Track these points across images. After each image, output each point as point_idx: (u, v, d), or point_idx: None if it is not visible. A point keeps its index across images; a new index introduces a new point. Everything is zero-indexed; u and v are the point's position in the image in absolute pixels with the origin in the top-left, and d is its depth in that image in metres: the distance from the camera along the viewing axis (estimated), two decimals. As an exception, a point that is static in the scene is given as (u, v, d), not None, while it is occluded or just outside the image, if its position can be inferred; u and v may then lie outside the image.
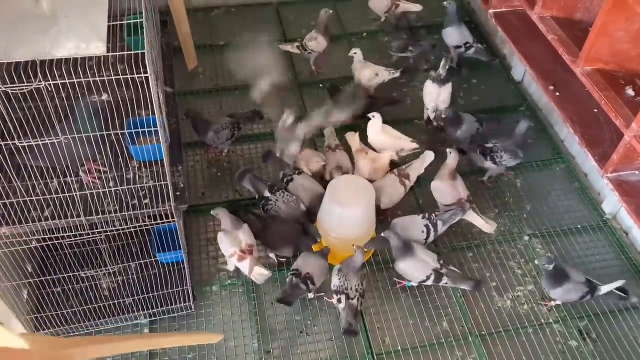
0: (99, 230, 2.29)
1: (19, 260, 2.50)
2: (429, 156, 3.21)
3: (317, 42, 3.85)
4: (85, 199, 2.25)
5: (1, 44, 1.77)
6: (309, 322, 2.78)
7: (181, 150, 2.63)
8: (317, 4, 4.56)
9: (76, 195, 2.20)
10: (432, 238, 2.93)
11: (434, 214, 2.95)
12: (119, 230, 2.36)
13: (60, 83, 1.87)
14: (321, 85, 3.97)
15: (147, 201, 2.29)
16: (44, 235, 2.37)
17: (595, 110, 3.32)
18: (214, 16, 4.52)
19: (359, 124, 3.50)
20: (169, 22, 3.60)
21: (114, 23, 1.94)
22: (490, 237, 3.13)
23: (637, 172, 3.08)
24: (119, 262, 2.74)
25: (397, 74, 3.74)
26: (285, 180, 3.11)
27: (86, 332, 2.65)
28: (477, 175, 3.41)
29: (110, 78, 1.92)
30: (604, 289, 2.66)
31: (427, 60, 4.17)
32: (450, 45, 3.93)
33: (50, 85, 1.83)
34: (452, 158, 3.04)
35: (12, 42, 1.79)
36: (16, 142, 1.96)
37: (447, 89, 3.53)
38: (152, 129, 2.13)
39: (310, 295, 2.79)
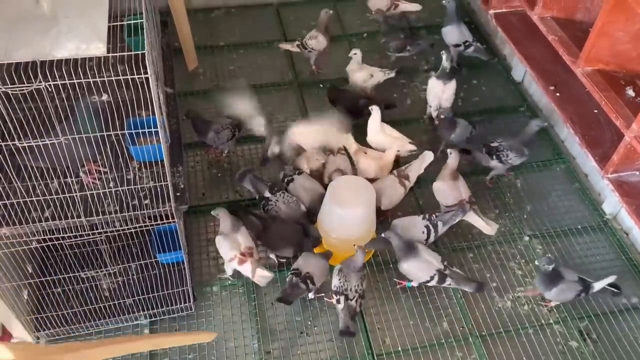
0: (99, 230, 2.29)
1: (19, 261, 2.50)
2: (428, 156, 3.21)
3: (317, 41, 3.86)
4: (86, 199, 2.25)
5: (1, 44, 1.77)
6: (309, 323, 2.78)
7: (181, 150, 2.63)
8: (317, 5, 4.57)
9: (76, 195, 2.20)
10: (432, 239, 2.93)
11: (434, 215, 2.95)
12: (119, 230, 2.36)
13: (61, 83, 1.87)
14: (321, 86, 3.97)
15: (147, 202, 2.29)
16: (44, 236, 2.36)
17: (596, 111, 3.32)
18: (214, 17, 4.52)
19: (354, 124, 3.51)
20: (169, 23, 3.60)
21: (114, 23, 1.94)
22: (490, 238, 3.13)
23: (638, 173, 3.08)
24: (119, 262, 2.74)
25: (392, 74, 3.74)
26: (285, 180, 3.11)
27: (86, 332, 2.65)
28: (477, 176, 3.41)
29: (110, 78, 1.92)
30: (597, 286, 2.67)
31: (427, 60, 4.18)
32: (449, 43, 3.94)
33: (50, 85, 1.83)
34: (453, 158, 3.03)
35: (12, 42, 1.79)
36: (16, 142, 1.96)
37: (451, 86, 3.54)
38: (152, 130, 2.13)
39: (310, 296, 2.79)
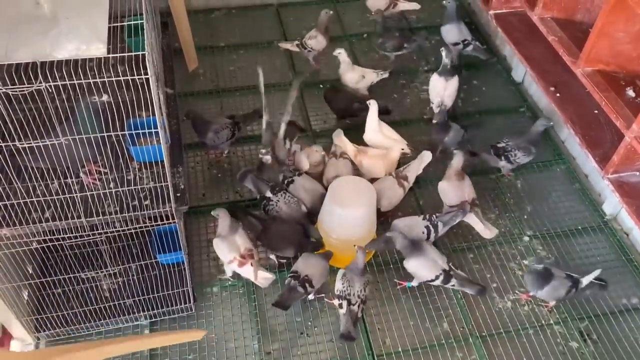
0: (99, 231, 2.29)
1: (19, 261, 2.50)
2: (427, 156, 3.21)
3: (316, 41, 3.86)
4: (86, 200, 2.25)
5: (2, 45, 1.77)
6: (309, 323, 2.78)
7: (181, 151, 2.63)
8: (317, 5, 4.58)
9: (76, 196, 2.20)
10: (432, 239, 2.94)
11: (434, 215, 2.95)
12: (119, 231, 2.36)
13: (61, 84, 1.87)
14: (321, 86, 3.97)
15: (147, 202, 2.29)
16: (44, 237, 2.37)
17: (596, 111, 3.32)
18: (215, 17, 4.53)
19: (353, 125, 3.53)
20: (170, 24, 3.60)
21: (114, 24, 1.94)
22: (490, 239, 3.13)
23: (638, 173, 3.08)
24: (120, 263, 2.74)
25: (386, 75, 3.74)
26: (285, 182, 3.11)
27: (86, 333, 2.65)
28: (477, 176, 3.40)
29: (110, 79, 1.92)
30: (585, 281, 2.67)
31: (427, 61, 4.18)
32: (448, 42, 3.94)
33: (50, 86, 1.83)
34: (457, 158, 3.04)
35: (12, 43, 1.79)
36: (17, 143, 1.96)
37: (454, 82, 3.55)
38: (153, 130, 2.14)
39: (311, 297, 2.79)
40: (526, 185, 3.44)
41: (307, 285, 2.64)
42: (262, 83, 3.12)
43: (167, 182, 2.25)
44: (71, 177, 2.24)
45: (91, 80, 1.91)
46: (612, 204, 3.25)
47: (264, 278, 2.74)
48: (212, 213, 2.82)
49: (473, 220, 3.01)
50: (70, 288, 2.64)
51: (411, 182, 3.17)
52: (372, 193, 2.90)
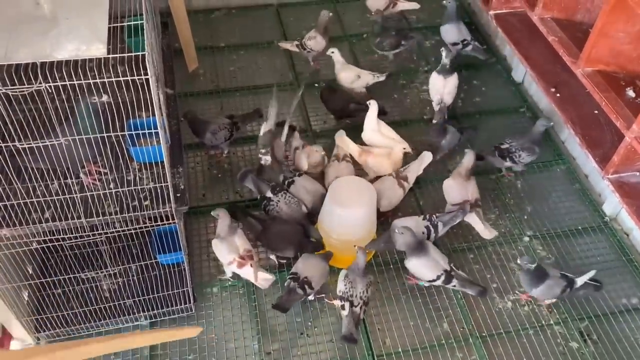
0: (99, 231, 2.29)
1: (19, 262, 2.50)
2: (427, 157, 3.21)
3: (315, 41, 3.87)
4: (86, 200, 2.25)
5: (2, 45, 1.77)
6: (309, 324, 2.78)
7: (181, 151, 2.63)
8: (317, 5, 4.58)
9: (76, 196, 2.20)
10: (432, 239, 2.94)
11: (434, 215, 2.95)
12: (119, 231, 2.36)
13: (61, 85, 1.87)
14: (318, 86, 3.97)
15: (147, 202, 2.29)
16: (44, 237, 2.37)
17: (596, 112, 3.32)
18: (215, 18, 4.53)
19: (349, 124, 3.53)
20: (170, 24, 3.60)
21: (114, 24, 1.94)
22: (490, 239, 3.13)
23: (638, 174, 3.08)
24: (120, 263, 2.74)
25: (382, 78, 3.73)
26: (286, 182, 3.10)
27: (87, 333, 2.65)
28: (478, 177, 3.40)
29: (110, 80, 1.92)
30: (579, 281, 2.67)
31: (427, 61, 4.18)
32: (447, 42, 3.94)
33: (50, 86, 1.83)
34: (468, 157, 3.06)
35: (12, 43, 1.79)
36: (16, 143, 1.96)
37: (453, 80, 3.57)
38: (153, 131, 2.14)
39: (311, 297, 2.79)
40: (526, 185, 3.44)
41: (306, 286, 2.64)
42: (273, 114, 3.17)
43: (167, 182, 2.25)
44: (71, 178, 2.24)
45: (91, 81, 1.91)
46: (612, 204, 3.25)
47: (264, 279, 2.74)
48: (212, 213, 2.82)
49: (474, 220, 3.01)
50: (71, 288, 2.64)
51: (411, 182, 3.17)
52: (372, 193, 2.90)
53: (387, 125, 3.42)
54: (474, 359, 2.68)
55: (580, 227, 3.22)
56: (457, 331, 2.77)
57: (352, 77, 3.70)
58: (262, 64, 4.15)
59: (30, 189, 2.22)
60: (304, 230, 2.87)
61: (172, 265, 2.78)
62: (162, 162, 2.36)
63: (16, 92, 1.78)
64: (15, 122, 1.96)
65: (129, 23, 2.13)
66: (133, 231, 2.34)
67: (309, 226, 2.92)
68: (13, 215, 2.16)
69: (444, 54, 3.52)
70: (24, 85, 1.79)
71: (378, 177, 3.22)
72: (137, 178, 2.36)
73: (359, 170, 3.30)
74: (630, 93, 3.03)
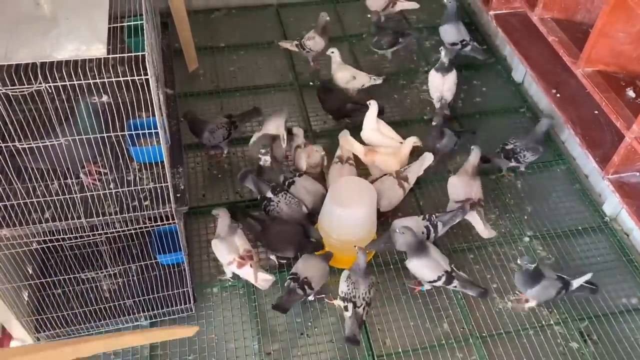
0: (99, 231, 2.29)
1: (19, 262, 2.50)
2: (428, 158, 3.21)
3: (314, 42, 3.88)
4: (86, 200, 2.25)
5: (2, 45, 1.77)
6: (310, 324, 2.77)
7: (181, 151, 2.63)
8: (317, 6, 4.58)
9: (76, 196, 2.20)
10: (432, 239, 2.93)
11: (434, 215, 2.95)
12: (119, 231, 2.36)
13: (61, 85, 1.87)
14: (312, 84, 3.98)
15: (147, 203, 2.29)
16: (44, 237, 2.37)
17: (596, 112, 3.32)
18: (214, 18, 4.53)
19: (349, 124, 3.54)
20: (170, 24, 3.60)
21: (114, 25, 1.94)
22: (490, 239, 3.13)
23: (638, 174, 3.08)
24: (120, 263, 2.73)
25: (379, 81, 3.72)
26: (286, 182, 3.10)
27: (87, 333, 2.65)
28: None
29: (110, 80, 1.92)
30: (575, 283, 2.67)
31: (427, 61, 4.18)
32: (446, 42, 3.95)
33: (50, 87, 1.83)
34: (474, 155, 3.08)
35: (12, 44, 1.79)
36: (16, 143, 1.96)
37: (452, 77, 3.60)
38: (153, 131, 2.14)
39: (311, 298, 2.79)
40: (526, 185, 3.44)
41: (306, 287, 2.64)
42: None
43: (167, 182, 2.25)
44: (71, 178, 2.24)
45: (91, 81, 1.91)
46: (613, 204, 3.25)
47: (263, 280, 2.74)
48: (212, 212, 2.82)
49: (474, 219, 3.01)
50: (71, 288, 2.64)
51: (411, 183, 3.16)
52: (372, 193, 2.90)
53: (386, 124, 3.43)
54: (474, 359, 2.68)
55: (580, 227, 3.22)
56: (457, 331, 2.77)
57: (347, 77, 3.70)
58: (262, 64, 4.15)
59: (30, 189, 2.22)
60: (304, 231, 2.87)
61: (172, 266, 2.78)
62: (162, 162, 2.36)
63: (16, 92, 1.78)
64: (15, 122, 1.96)
65: (129, 23, 2.13)
66: (133, 231, 2.34)
67: (309, 226, 2.91)
68: (13, 215, 2.16)
69: (442, 52, 3.55)
70: (24, 85, 1.79)
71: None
72: (137, 178, 2.36)
73: (361, 172, 3.29)
74: (631, 93, 3.03)
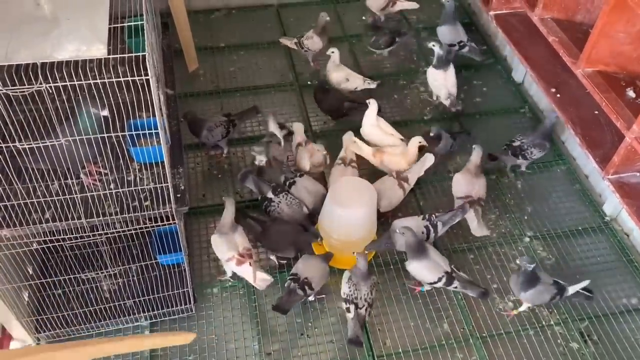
0: (99, 232, 2.29)
1: (19, 262, 2.50)
2: (429, 159, 3.20)
3: (312, 42, 3.89)
4: (86, 200, 2.25)
5: (2, 46, 1.77)
6: (310, 324, 2.77)
7: (182, 151, 2.63)
8: (317, 6, 4.58)
9: (77, 197, 2.20)
10: (431, 239, 2.94)
11: (433, 215, 2.95)
12: (119, 232, 2.36)
13: (61, 85, 1.87)
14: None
15: (147, 203, 2.29)
16: (44, 237, 2.36)
17: (596, 112, 3.32)
18: (215, 18, 4.53)
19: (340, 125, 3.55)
20: (170, 24, 3.60)
21: (114, 25, 1.94)
22: (490, 239, 3.13)
23: (638, 174, 3.08)
24: (120, 264, 2.73)
25: (373, 86, 3.71)
26: (287, 183, 3.10)
27: (87, 334, 2.65)
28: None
29: (111, 80, 1.92)
30: (571, 289, 2.66)
31: (427, 62, 4.18)
32: (444, 43, 3.94)
33: (51, 87, 1.83)
34: (476, 153, 3.11)
35: (13, 44, 1.79)
36: (17, 144, 1.96)
37: (451, 72, 3.62)
38: (153, 131, 2.14)
39: (311, 298, 2.79)
40: (526, 185, 3.44)
41: (306, 287, 2.64)
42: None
43: (167, 183, 2.25)
44: (71, 178, 2.24)
45: (92, 81, 1.91)
46: (613, 204, 3.25)
47: (262, 279, 2.73)
48: (222, 198, 2.82)
49: (470, 216, 3.02)
50: (71, 289, 2.64)
51: (412, 183, 3.16)
52: (372, 193, 2.90)
53: (385, 121, 3.44)
54: (474, 359, 2.68)
55: (580, 228, 3.22)
56: (458, 332, 2.77)
57: (341, 78, 3.70)
58: (262, 65, 4.15)
59: (31, 189, 2.22)
60: (304, 231, 2.87)
61: (172, 266, 2.78)
62: (162, 162, 2.36)
63: (17, 92, 1.78)
64: (15, 123, 1.96)
65: (129, 24, 2.13)
66: (133, 232, 2.34)
67: (309, 227, 2.91)
68: (13, 215, 2.16)
69: (436, 48, 3.55)
70: (25, 85, 1.79)
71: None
72: (138, 178, 2.36)
73: (363, 175, 3.28)
74: (631, 93, 3.03)
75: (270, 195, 2.99)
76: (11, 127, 1.92)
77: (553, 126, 3.39)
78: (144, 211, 2.27)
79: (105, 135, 2.10)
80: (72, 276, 2.56)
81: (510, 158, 3.36)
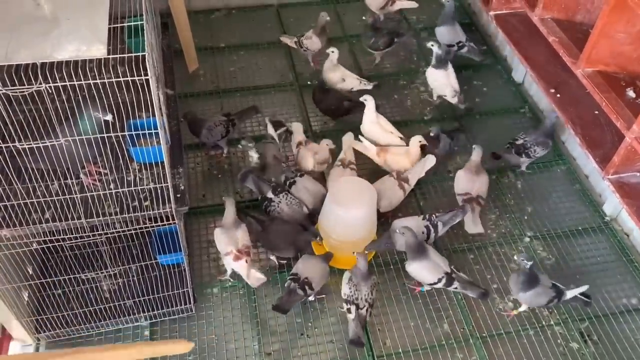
0: (99, 232, 2.29)
1: (19, 262, 2.50)
2: (430, 161, 3.20)
3: (311, 41, 3.90)
4: (86, 201, 2.25)
5: (2, 46, 1.77)
6: (310, 324, 2.77)
7: (182, 152, 2.63)
8: (317, 6, 4.58)
9: (77, 197, 2.19)
10: (432, 239, 2.94)
11: (434, 215, 2.95)
12: (119, 232, 2.36)
13: (61, 85, 1.87)
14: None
15: (147, 203, 2.29)
16: (44, 237, 2.37)
17: (596, 112, 3.32)
18: (215, 18, 4.53)
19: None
20: (170, 24, 3.60)
21: (114, 25, 1.94)
22: (490, 239, 3.13)
23: (638, 174, 3.08)
24: (120, 264, 2.73)
25: (369, 87, 3.70)
26: (287, 183, 3.10)
27: (87, 334, 2.65)
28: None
29: (110, 80, 1.92)
30: (569, 294, 2.65)
31: (427, 62, 4.18)
32: (442, 43, 3.94)
33: (50, 87, 1.83)
34: (476, 153, 3.14)
35: (13, 44, 1.79)
36: (17, 144, 1.96)
37: (451, 70, 3.65)
38: (153, 131, 2.14)
39: (311, 298, 2.79)
40: (526, 185, 3.44)
41: (307, 287, 2.64)
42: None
43: (167, 183, 2.25)
44: (71, 178, 2.24)
45: (91, 81, 1.91)
46: (613, 204, 3.25)
47: (255, 278, 2.74)
48: (222, 198, 2.83)
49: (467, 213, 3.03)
50: (71, 289, 2.64)
51: (412, 184, 3.16)
52: (372, 194, 2.90)
53: (384, 118, 3.45)
54: (474, 359, 2.68)
55: (580, 228, 3.22)
56: (458, 332, 2.77)
57: (337, 78, 3.70)
58: (262, 65, 4.15)
59: (31, 189, 2.22)
60: (304, 231, 2.87)
61: (172, 266, 2.78)
62: (162, 162, 2.36)
63: (16, 92, 1.78)
64: (15, 123, 1.95)
65: (129, 24, 2.13)
66: (133, 232, 2.34)
67: (309, 227, 2.91)
68: (13, 215, 2.16)
69: (435, 48, 3.56)
70: (25, 85, 1.79)
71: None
72: (137, 178, 2.36)
73: (363, 175, 3.28)
74: (631, 93, 3.03)
75: (270, 195, 2.99)
76: (11, 127, 1.92)
77: (554, 126, 3.39)
78: (144, 211, 2.27)
79: (105, 135, 2.10)
80: (72, 276, 2.56)
81: (513, 156, 3.36)
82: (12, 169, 2.05)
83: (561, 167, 3.57)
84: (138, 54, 1.84)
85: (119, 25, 1.98)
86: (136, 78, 1.88)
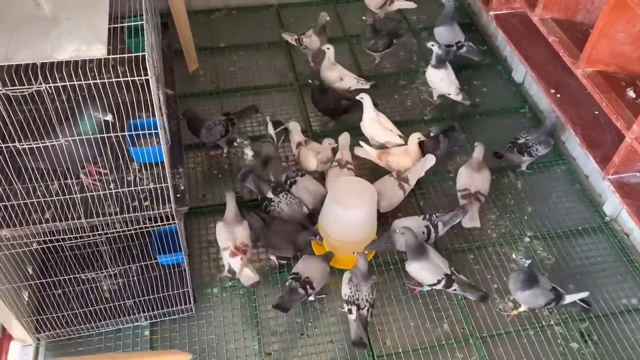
0: (99, 232, 2.29)
1: (19, 262, 2.50)
2: (430, 160, 3.20)
3: (310, 40, 3.91)
4: (86, 201, 2.25)
5: (2, 46, 1.77)
6: (310, 324, 2.77)
7: (182, 152, 2.63)
8: (317, 6, 4.58)
9: (77, 197, 2.19)
10: (432, 239, 2.93)
11: (434, 215, 2.95)
12: (119, 232, 2.36)
13: (61, 85, 1.87)
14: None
15: (147, 203, 2.29)
16: (44, 237, 2.36)
17: (596, 112, 3.32)
18: (215, 18, 4.53)
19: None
20: (170, 24, 3.60)
21: (114, 25, 1.94)
22: (490, 239, 3.13)
23: (638, 174, 3.08)
24: (120, 264, 2.73)
25: (367, 86, 3.70)
26: (288, 182, 3.10)
27: (87, 334, 2.65)
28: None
29: (110, 80, 1.92)
30: (568, 298, 2.64)
31: (427, 62, 4.18)
32: (441, 44, 3.95)
33: (50, 87, 1.83)
34: (478, 150, 3.15)
35: (13, 44, 1.79)
36: (17, 144, 1.96)
37: (451, 69, 3.67)
38: (153, 131, 2.14)
39: (311, 298, 2.79)
40: (526, 185, 3.44)
41: (307, 287, 2.64)
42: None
43: (167, 183, 2.25)
44: (71, 178, 2.24)
45: (91, 82, 1.91)
46: (613, 204, 3.25)
47: (247, 276, 2.74)
48: (225, 193, 2.86)
49: None
50: (71, 289, 2.64)
51: (412, 184, 3.16)
52: (372, 194, 2.90)
53: (384, 116, 3.45)
54: (474, 359, 2.68)
55: (580, 228, 3.22)
56: (458, 332, 2.77)
57: (335, 77, 3.70)
58: (262, 65, 4.15)
59: (31, 189, 2.22)
60: (304, 230, 2.87)
61: (172, 266, 2.78)
62: (162, 162, 2.36)
63: (16, 92, 1.78)
64: (15, 123, 1.95)
65: (129, 24, 2.13)
66: (133, 232, 2.34)
67: (309, 227, 2.91)
68: (13, 215, 2.16)
69: (435, 48, 3.57)
70: (25, 85, 1.79)
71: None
72: (137, 178, 2.36)
73: (363, 175, 3.28)
74: (631, 93, 3.03)
75: (270, 195, 2.99)
76: (11, 127, 1.92)
77: (554, 126, 3.40)
78: (144, 211, 2.27)
79: (105, 135, 2.10)
80: (72, 276, 2.56)
81: (516, 155, 3.37)
82: (12, 169, 2.05)
83: (561, 167, 3.57)
84: (138, 54, 1.84)
85: (119, 25, 1.98)
86: (136, 78, 1.88)
